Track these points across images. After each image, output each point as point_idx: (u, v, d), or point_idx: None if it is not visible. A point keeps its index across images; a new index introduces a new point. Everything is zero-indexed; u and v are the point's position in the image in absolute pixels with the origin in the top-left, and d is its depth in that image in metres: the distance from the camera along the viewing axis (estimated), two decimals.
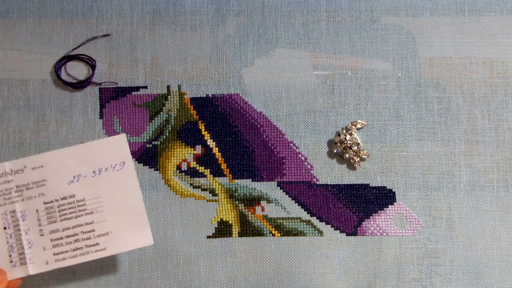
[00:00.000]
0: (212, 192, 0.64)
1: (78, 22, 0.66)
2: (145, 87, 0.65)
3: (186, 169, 0.64)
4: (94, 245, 0.55)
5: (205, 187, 0.64)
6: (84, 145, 0.57)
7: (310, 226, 0.63)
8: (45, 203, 0.55)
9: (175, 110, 0.65)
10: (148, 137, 0.65)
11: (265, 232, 0.63)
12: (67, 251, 0.55)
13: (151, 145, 0.64)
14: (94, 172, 0.56)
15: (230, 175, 0.64)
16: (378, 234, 0.63)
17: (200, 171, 0.64)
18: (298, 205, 0.63)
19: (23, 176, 0.55)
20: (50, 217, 0.55)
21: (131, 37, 0.66)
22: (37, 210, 0.55)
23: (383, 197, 0.63)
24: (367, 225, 0.63)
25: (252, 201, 0.64)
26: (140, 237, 0.56)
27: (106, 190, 0.56)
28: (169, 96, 0.65)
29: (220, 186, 0.64)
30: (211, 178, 0.64)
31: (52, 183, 0.56)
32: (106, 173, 0.56)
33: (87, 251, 0.55)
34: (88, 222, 0.55)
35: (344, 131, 0.63)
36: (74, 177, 0.56)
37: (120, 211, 0.56)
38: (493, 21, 0.66)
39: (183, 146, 0.64)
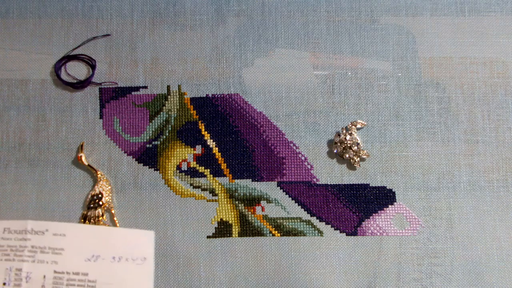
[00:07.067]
0: (212, 192, 0.64)
1: (78, 22, 0.66)
2: (145, 87, 0.65)
3: (186, 169, 0.64)
4: None
5: (205, 187, 0.64)
6: (112, 229, 0.56)
7: (310, 226, 0.63)
8: (55, 271, 0.54)
9: (175, 110, 0.65)
10: (148, 137, 0.65)
11: (265, 232, 0.63)
12: None
13: (151, 145, 0.64)
14: (114, 257, 0.55)
15: (230, 175, 0.64)
16: (378, 234, 0.63)
17: (200, 171, 0.64)
18: (298, 205, 0.63)
19: (42, 239, 0.54)
20: (56, 287, 0.54)
21: (131, 37, 0.66)
22: (44, 276, 0.54)
23: (383, 197, 0.63)
24: (367, 225, 0.63)
25: (252, 201, 0.63)
26: None
27: (120, 279, 0.55)
28: (169, 96, 0.65)
29: (220, 186, 0.64)
30: (211, 178, 0.64)
31: (69, 255, 0.54)
32: (125, 263, 0.55)
33: None
34: None
35: (344, 131, 0.63)
36: (93, 256, 0.55)
37: None
38: (493, 21, 0.66)
39: (183, 146, 0.64)
